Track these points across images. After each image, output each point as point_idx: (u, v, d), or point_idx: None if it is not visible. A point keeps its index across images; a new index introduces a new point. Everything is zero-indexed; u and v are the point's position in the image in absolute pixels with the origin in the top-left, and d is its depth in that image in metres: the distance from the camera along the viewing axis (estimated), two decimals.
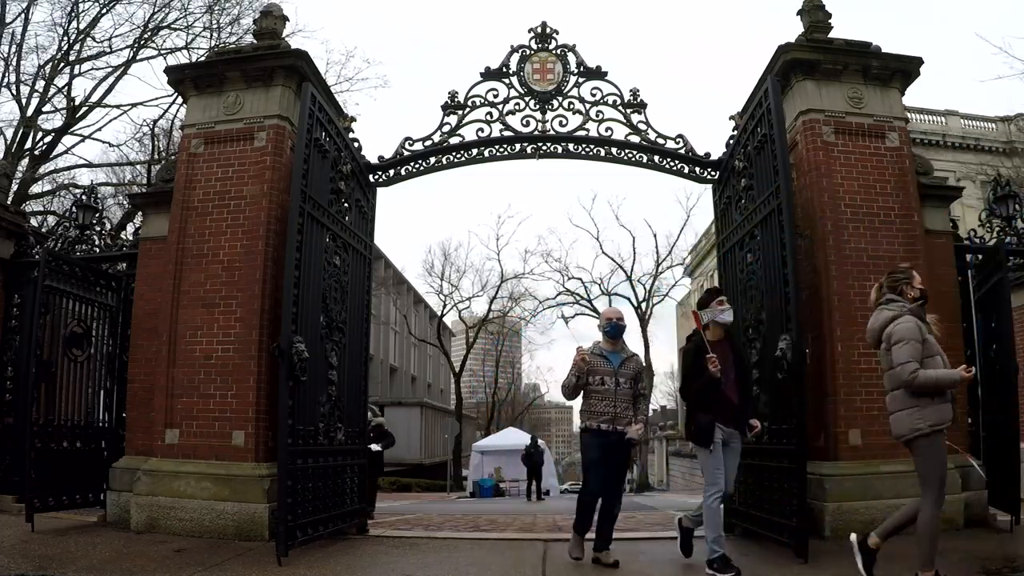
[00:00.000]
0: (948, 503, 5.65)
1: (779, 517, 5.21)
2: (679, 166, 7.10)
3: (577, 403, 5.30)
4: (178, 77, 7.04)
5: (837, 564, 4.64)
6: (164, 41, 17.90)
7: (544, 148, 7.06)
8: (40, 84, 17.01)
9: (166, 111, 18.02)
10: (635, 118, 6.97)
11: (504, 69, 7.07)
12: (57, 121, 17.50)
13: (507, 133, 7.01)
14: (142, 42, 17.59)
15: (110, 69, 17.70)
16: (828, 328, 5.91)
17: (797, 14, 6.87)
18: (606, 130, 6.98)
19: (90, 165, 19.10)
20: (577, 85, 7.05)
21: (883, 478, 5.65)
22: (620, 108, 6.99)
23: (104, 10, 17.28)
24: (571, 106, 7.02)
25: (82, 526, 6.32)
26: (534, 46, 7.11)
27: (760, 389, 5.85)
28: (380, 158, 7.06)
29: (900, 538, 5.39)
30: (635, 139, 6.97)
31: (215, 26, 17.77)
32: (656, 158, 7.05)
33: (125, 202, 18.38)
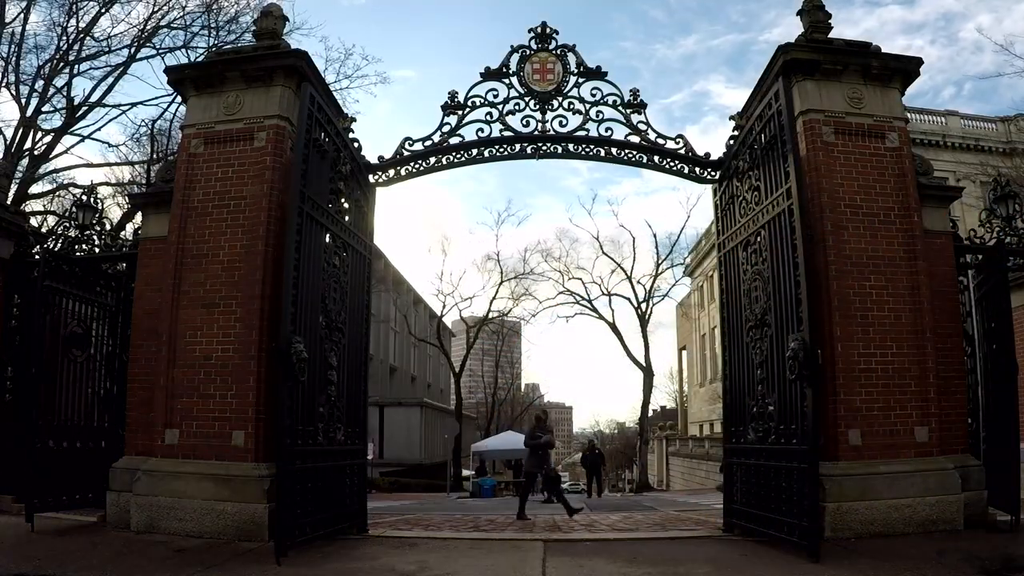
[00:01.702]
0: (948, 503, 5.69)
1: (787, 517, 5.21)
2: (679, 166, 7.10)
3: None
4: (178, 77, 7.04)
5: (852, 565, 4.62)
6: (163, 40, 17.95)
7: (544, 148, 7.06)
8: (40, 84, 17.04)
9: (166, 109, 18.07)
10: (635, 118, 6.97)
11: (504, 69, 7.07)
12: (56, 121, 17.53)
13: (507, 133, 7.01)
14: (141, 41, 17.62)
15: (109, 69, 17.73)
16: (828, 328, 5.90)
17: (797, 14, 6.87)
18: (606, 130, 6.98)
19: (90, 165, 19.16)
20: (577, 85, 7.05)
21: (883, 478, 5.65)
22: (620, 108, 6.99)
23: (103, 9, 17.31)
24: (571, 106, 7.02)
25: (82, 526, 6.32)
26: (534, 46, 7.11)
27: (765, 390, 5.85)
28: (380, 158, 7.06)
29: (900, 538, 5.41)
30: (635, 139, 6.98)
31: (213, 24, 17.81)
32: (656, 158, 7.06)
33: (125, 202, 18.41)
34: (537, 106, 7.03)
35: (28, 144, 16.96)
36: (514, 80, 7.06)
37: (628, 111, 6.99)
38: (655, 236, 42.69)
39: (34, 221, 14.87)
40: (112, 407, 7.11)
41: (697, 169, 7.10)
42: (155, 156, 17.99)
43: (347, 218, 6.57)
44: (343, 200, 6.54)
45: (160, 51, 17.87)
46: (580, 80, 7.06)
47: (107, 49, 17.61)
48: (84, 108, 17.57)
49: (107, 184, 19.42)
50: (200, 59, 16.36)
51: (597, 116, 6.98)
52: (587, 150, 7.06)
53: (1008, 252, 7.00)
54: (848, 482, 5.63)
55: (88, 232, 7.78)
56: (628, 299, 35.52)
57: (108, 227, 8.70)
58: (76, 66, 17.39)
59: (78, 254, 7.52)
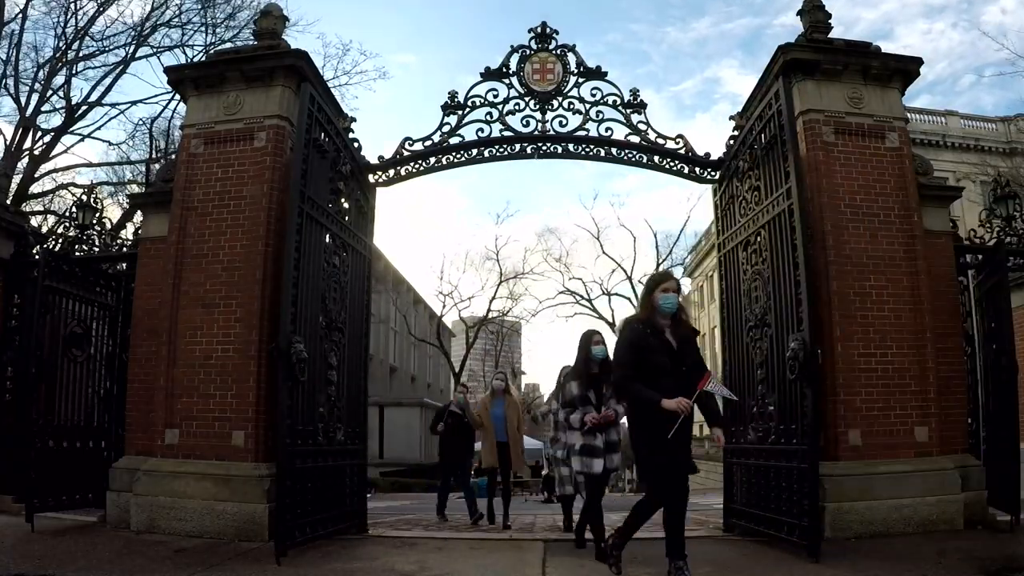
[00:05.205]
0: (948, 503, 5.69)
1: (787, 517, 5.21)
2: (679, 166, 7.10)
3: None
4: (178, 77, 7.04)
5: (852, 565, 4.62)
6: (161, 39, 17.98)
7: (544, 148, 7.06)
8: (39, 84, 17.03)
9: (165, 107, 18.08)
10: (635, 118, 6.97)
11: (504, 69, 7.06)
12: (56, 120, 17.54)
13: (507, 133, 7.00)
14: (139, 40, 17.63)
15: (108, 68, 17.75)
16: (828, 328, 5.90)
17: (797, 14, 6.88)
18: (606, 130, 6.98)
19: (89, 164, 19.16)
20: (577, 85, 7.05)
21: (883, 478, 5.65)
22: (620, 108, 6.99)
23: (101, 8, 17.32)
24: (571, 106, 7.01)
25: (82, 526, 6.32)
26: (534, 46, 7.10)
27: (765, 390, 5.85)
28: (380, 158, 7.06)
29: (900, 538, 5.41)
30: (635, 139, 6.97)
31: (209, 22, 17.85)
32: (656, 158, 7.06)
33: (124, 202, 18.42)
34: (537, 106, 7.02)
35: (28, 144, 16.97)
36: (514, 80, 7.06)
37: (628, 111, 6.98)
38: (656, 236, 42.63)
39: (34, 221, 14.89)
40: (112, 407, 7.11)
41: (697, 169, 7.10)
42: (154, 155, 18.00)
43: (347, 218, 6.57)
44: (343, 200, 6.54)
45: (158, 50, 17.91)
46: (580, 80, 7.05)
47: (105, 48, 17.65)
48: (83, 108, 17.58)
49: (107, 183, 19.45)
50: (198, 58, 16.42)
51: (597, 116, 6.98)
52: (587, 150, 7.06)
53: (1008, 252, 7.00)
54: (848, 482, 5.63)
55: (88, 232, 7.77)
56: (628, 299, 35.55)
57: (108, 227, 8.69)
58: (75, 66, 17.40)
59: (78, 254, 7.51)
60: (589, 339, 5.39)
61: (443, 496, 9.03)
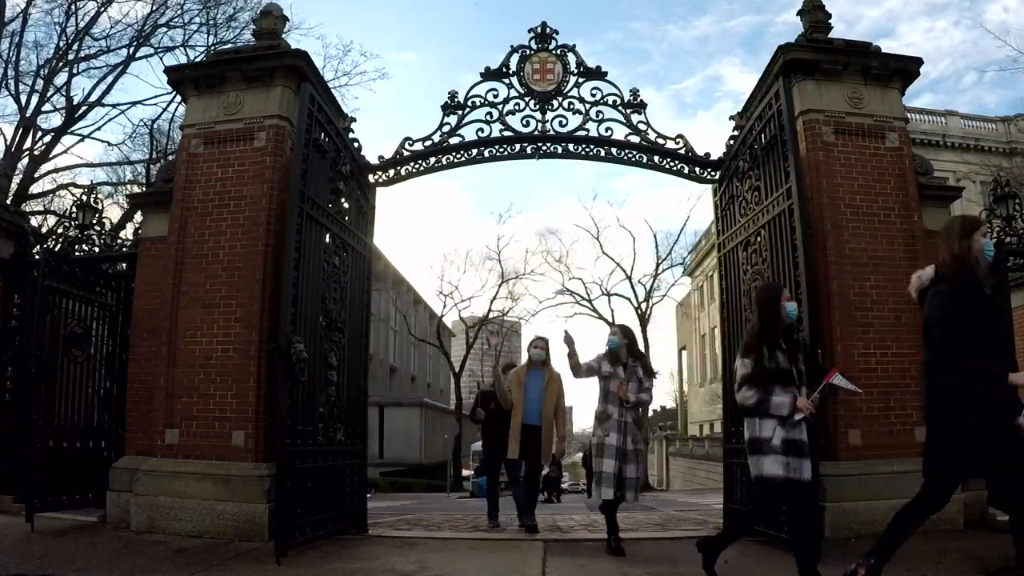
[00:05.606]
0: (948, 503, 5.67)
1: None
2: (679, 166, 7.10)
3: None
4: (178, 77, 7.04)
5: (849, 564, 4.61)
6: (161, 39, 17.99)
7: (544, 148, 7.06)
8: (39, 83, 17.04)
9: (166, 108, 18.10)
10: (635, 118, 6.97)
11: (504, 69, 7.06)
12: (56, 120, 17.55)
13: (507, 133, 7.00)
14: (140, 40, 17.64)
15: (108, 68, 17.76)
16: (828, 328, 5.90)
17: (797, 14, 6.88)
18: (606, 130, 6.98)
19: (89, 165, 19.18)
20: (577, 85, 7.04)
21: (883, 478, 5.65)
22: (620, 108, 6.99)
23: (102, 8, 17.33)
24: (571, 106, 7.01)
25: (82, 526, 6.32)
26: (534, 46, 7.10)
27: None
28: (380, 158, 7.06)
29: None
30: (635, 139, 6.97)
31: (211, 22, 17.87)
32: (656, 158, 7.06)
33: (124, 202, 18.43)
34: (537, 106, 7.02)
35: (28, 144, 16.98)
36: (514, 80, 7.06)
37: (628, 111, 6.98)
38: (655, 236, 42.85)
39: (34, 221, 14.90)
40: (112, 407, 7.11)
41: (697, 169, 7.10)
42: (154, 155, 18.02)
43: (347, 218, 6.57)
44: (343, 200, 6.54)
45: (159, 50, 17.94)
46: (580, 80, 7.05)
47: (106, 48, 17.67)
48: (84, 107, 17.59)
49: (107, 183, 19.48)
50: (199, 58, 16.42)
51: (597, 116, 6.97)
52: (587, 150, 7.06)
53: (1008, 252, 7.00)
54: (848, 482, 5.63)
55: (88, 232, 7.79)
56: (628, 299, 35.63)
57: (108, 227, 8.70)
58: (75, 65, 17.43)
59: (78, 254, 7.52)
60: (779, 294, 4.13)
61: (493, 495, 7.43)
